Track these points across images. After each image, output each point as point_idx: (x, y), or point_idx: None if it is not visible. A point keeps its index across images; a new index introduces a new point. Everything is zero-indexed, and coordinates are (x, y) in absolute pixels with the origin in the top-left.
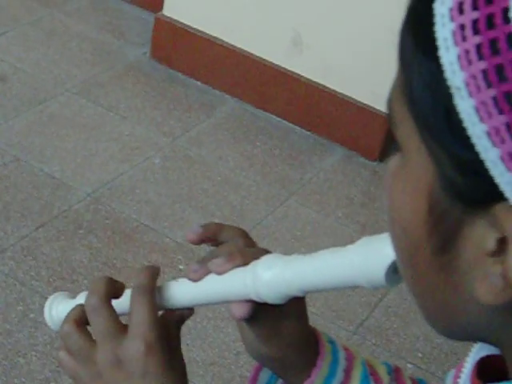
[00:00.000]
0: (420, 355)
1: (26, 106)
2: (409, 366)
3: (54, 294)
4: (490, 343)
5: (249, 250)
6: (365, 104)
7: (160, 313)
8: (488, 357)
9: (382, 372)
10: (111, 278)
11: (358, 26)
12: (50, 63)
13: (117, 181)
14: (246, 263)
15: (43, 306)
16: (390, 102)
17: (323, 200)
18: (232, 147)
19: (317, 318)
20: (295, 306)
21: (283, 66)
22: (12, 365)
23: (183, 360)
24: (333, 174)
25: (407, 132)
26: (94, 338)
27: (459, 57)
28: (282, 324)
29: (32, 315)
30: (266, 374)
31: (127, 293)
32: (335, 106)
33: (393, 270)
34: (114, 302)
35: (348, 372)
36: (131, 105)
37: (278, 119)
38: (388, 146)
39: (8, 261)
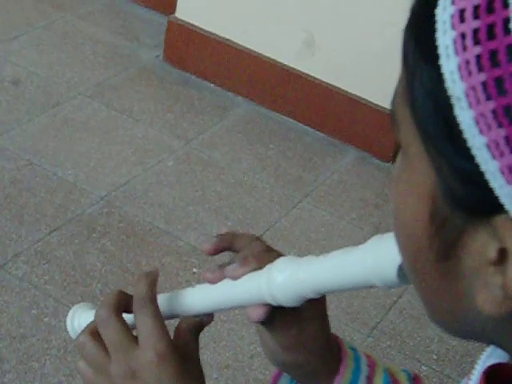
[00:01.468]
0: (435, 357)
1: (40, 110)
2: (423, 368)
3: (76, 304)
4: (500, 347)
5: (263, 255)
6: (378, 105)
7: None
8: (497, 365)
9: (403, 379)
10: (123, 292)
11: (371, 27)
12: (63, 67)
13: (130, 184)
14: (260, 267)
15: (57, 310)
16: (394, 103)
17: (337, 202)
18: (245, 149)
19: (331, 320)
20: (314, 310)
21: (296, 67)
22: (26, 369)
23: (200, 366)
24: (346, 175)
25: (409, 136)
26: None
27: (459, 66)
28: (302, 329)
29: (46, 319)
30: (285, 381)
31: None
32: (348, 107)
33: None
34: (126, 316)
35: (370, 379)
36: (144, 108)
37: (291, 121)
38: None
39: (22, 265)
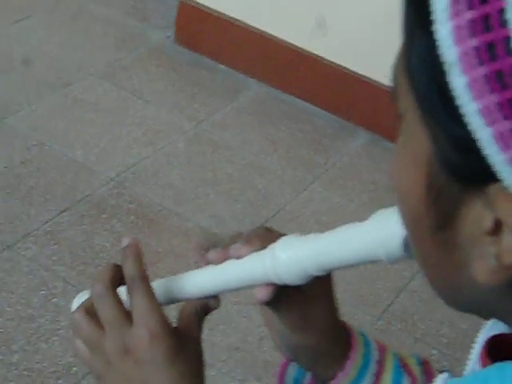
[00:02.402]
0: (445, 341)
1: (50, 90)
2: (433, 351)
3: (81, 292)
4: (500, 320)
5: (267, 234)
6: (389, 87)
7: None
8: (498, 336)
9: (412, 364)
10: (117, 265)
11: (383, 8)
12: (73, 47)
13: (140, 165)
14: (264, 247)
15: (66, 291)
16: (394, 72)
17: (348, 184)
18: (256, 131)
19: (341, 303)
20: (320, 288)
21: (307, 48)
22: (34, 350)
23: (201, 350)
24: (357, 158)
25: (407, 104)
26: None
27: (453, 32)
28: (309, 308)
29: (54, 300)
30: (293, 370)
31: None
32: (360, 89)
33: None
34: (121, 289)
35: (380, 363)
36: (155, 88)
37: (303, 103)
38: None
39: (31, 245)
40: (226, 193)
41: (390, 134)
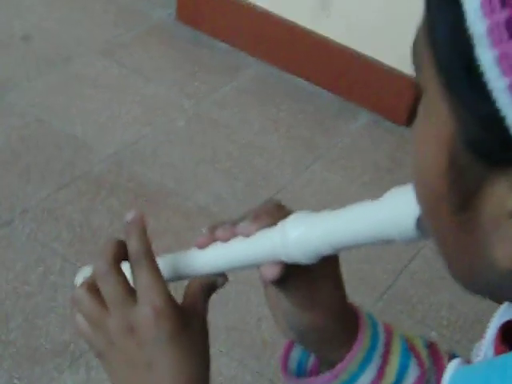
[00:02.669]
0: (445, 323)
1: (49, 66)
2: (433, 333)
3: (84, 266)
4: None
5: (276, 211)
6: (392, 67)
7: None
8: None
9: (419, 345)
10: (120, 240)
11: None
12: (74, 23)
13: (140, 143)
14: (273, 224)
15: (64, 268)
16: (415, 45)
17: (349, 165)
18: (257, 110)
19: None
20: (328, 268)
21: (310, 28)
22: (32, 327)
23: (206, 328)
24: (359, 138)
25: (429, 79)
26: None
27: (482, 3)
28: (316, 288)
29: (52, 277)
30: (297, 352)
31: None
32: (362, 69)
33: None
34: (125, 266)
35: (388, 345)
36: (155, 66)
37: (304, 82)
38: (415, 111)
39: (29, 222)
40: (225, 172)
41: (392, 115)
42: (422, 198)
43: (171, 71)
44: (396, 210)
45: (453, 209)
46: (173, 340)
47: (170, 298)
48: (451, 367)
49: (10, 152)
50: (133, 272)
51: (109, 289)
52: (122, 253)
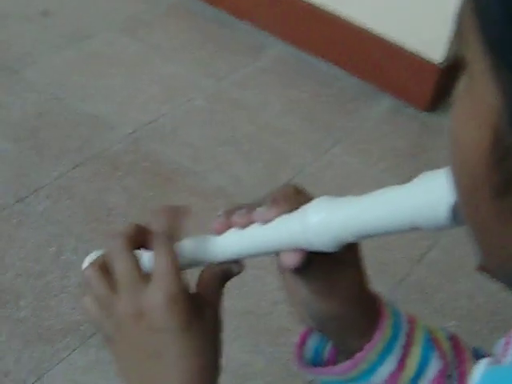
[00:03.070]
0: (463, 313)
1: (68, 43)
2: (451, 323)
3: (94, 251)
4: None
5: (295, 196)
6: (417, 52)
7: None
8: None
9: (441, 338)
10: (141, 225)
11: None
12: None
13: (158, 122)
14: (292, 209)
15: (77, 247)
16: (461, 12)
17: (369, 150)
18: (278, 92)
19: None
20: (349, 255)
21: (334, 9)
22: (42, 306)
23: (219, 317)
24: (380, 123)
25: (475, 51)
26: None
27: None
28: (337, 275)
29: (64, 256)
30: (313, 340)
31: None
32: (386, 53)
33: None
34: (142, 254)
35: (410, 335)
36: (176, 45)
37: (326, 64)
38: (439, 97)
39: (43, 199)
40: (244, 153)
41: (415, 101)
42: (459, 182)
43: (192, 50)
44: (428, 195)
45: (492, 194)
46: (183, 330)
47: (185, 288)
48: (480, 366)
49: (27, 128)
50: (154, 253)
51: (122, 267)
52: (140, 237)
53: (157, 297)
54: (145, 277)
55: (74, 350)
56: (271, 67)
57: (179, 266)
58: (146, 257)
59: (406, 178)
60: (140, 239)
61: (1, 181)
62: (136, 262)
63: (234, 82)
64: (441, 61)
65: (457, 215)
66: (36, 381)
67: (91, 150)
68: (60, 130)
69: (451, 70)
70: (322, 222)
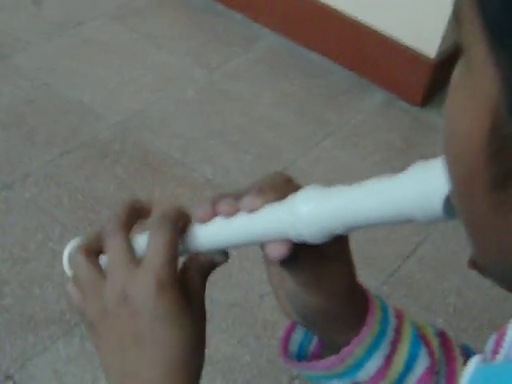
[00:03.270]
0: (451, 310)
1: (60, 30)
2: (439, 320)
3: (73, 240)
4: None
5: (283, 185)
6: (410, 46)
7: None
8: None
9: (429, 334)
10: (138, 201)
11: None
12: None
13: (148, 111)
14: (280, 198)
15: (63, 236)
16: None
17: (360, 143)
18: (269, 84)
19: None
20: (337, 247)
21: (327, 2)
22: (27, 294)
23: (203, 308)
24: (372, 117)
25: (473, 35)
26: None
27: None
28: (324, 268)
29: (51, 244)
30: (298, 335)
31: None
32: (379, 46)
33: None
34: (140, 237)
35: (398, 331)
36: (168, 34)
37: (319, 57)
38: (431, 92)
39: (30, 186)
40: (234, 145)
41: (407, 96)
42: (454, 173)
43: (184, 40)
44: (421, 186)
45: (489, 186)
46: (169, 318)
47: (175, 275)
48: (472, 364)
49: (15, 114)
50: (149, 234)
51: (114, 245)
52: (135, 217)
53: (146, 279)
54: (138, 260)
55: (58, 339)
56: (263, 59)
57: (177, 254)
58: (142, 240)
59: (397, 171)
60: (136, 218)
61: None
62: (128, 243)
63: (225, 73)
64: (434, 56)
65: (450, 207)
66: (19, 369)
67: (80, 138)
68: (49, 117)
69: (444, 65)
70: (311, 211)
